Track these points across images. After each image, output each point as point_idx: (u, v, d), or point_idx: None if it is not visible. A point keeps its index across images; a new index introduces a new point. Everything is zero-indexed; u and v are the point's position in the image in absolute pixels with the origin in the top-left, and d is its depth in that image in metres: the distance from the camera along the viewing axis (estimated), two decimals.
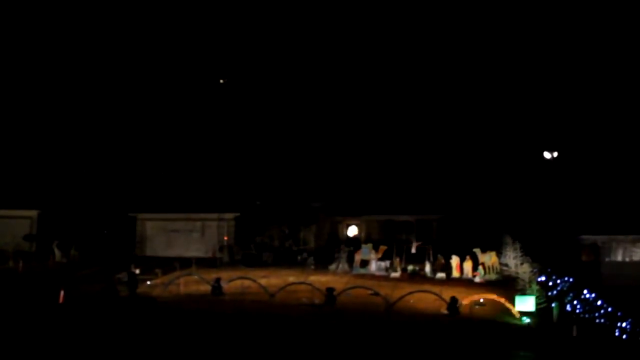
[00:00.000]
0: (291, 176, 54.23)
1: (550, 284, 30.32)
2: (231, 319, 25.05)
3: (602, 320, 23.78)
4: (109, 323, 23.98)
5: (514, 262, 31.64)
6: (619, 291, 29.24)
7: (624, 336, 22.14)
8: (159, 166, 59.88)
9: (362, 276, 36.02)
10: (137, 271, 30.56)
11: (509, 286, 30.50)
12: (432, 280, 34.69)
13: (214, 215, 46.86)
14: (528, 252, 31.44)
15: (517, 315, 25.24)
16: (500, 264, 37.00)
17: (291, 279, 32.52)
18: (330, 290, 27.89)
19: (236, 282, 30.44)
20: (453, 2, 59.62)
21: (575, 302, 26.26)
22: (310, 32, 61.49)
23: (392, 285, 31.79)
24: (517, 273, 29.10)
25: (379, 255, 38.86)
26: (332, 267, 39.17)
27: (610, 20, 53.42)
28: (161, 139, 61.13)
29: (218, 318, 25.25)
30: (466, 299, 26.57)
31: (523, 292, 26.65)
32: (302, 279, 31.85)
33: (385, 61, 61.81)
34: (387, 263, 37.91)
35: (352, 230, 50.85)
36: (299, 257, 42.00)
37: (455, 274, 36.42)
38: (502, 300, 26.42)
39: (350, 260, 39.08)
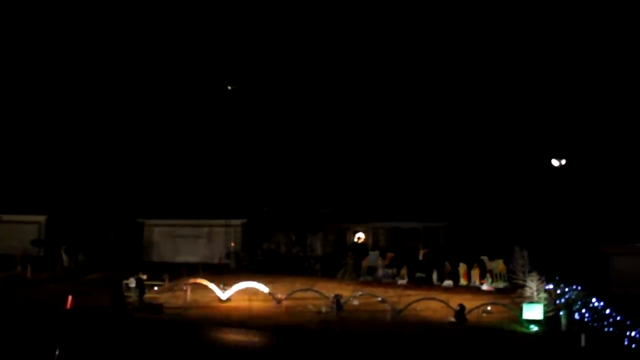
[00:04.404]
0: (298, 183, 54.32)
1: (559, 292, 30.15)
2: (238, 326, 25.08)
3: (611, 329, 23.58)
4: (116, 330, 24.00)
5: (521, 269, 31.50)
6: (628, 299, 29.08)
7: (633, 345, 21.95)
8: (166, 172, 60.08)
9: (369, 283, 36.00)
10: (145, 277, 30.60)
11: (517, 294, 30.41)
12: (439, 288, 34.63)
13: (221, 221, 46.95)
14: (536, 260, 31.32)
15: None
16: (509, 271, 36.86)
17: (298, 285, 32.51)
18: (337, 297, 27.85)
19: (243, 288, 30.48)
20: (462, 7, 59.69)
21: (583, 310, 26.07)
22: (318, 39, 61.65)
23: (399, 293, 31.73)
24: (525, 281, 28.96)
25: (386, 262, 38.88)
26: (339, 274, 39.15)
27: (619, 28, 53.31)
28: (169, 144, 61.37)
29: (224, 324, 25.29)
30: (474, 307, 26.47)
31: (531, 300, 26.53)
32: (308, 286, 31.82)
33: (394, 69, 61.90)
34: (394, 270, 37.87)
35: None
36: (305, 264, 42.01)
37: (463, 281, 36.34)
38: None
39: (357, 267, 39.05)
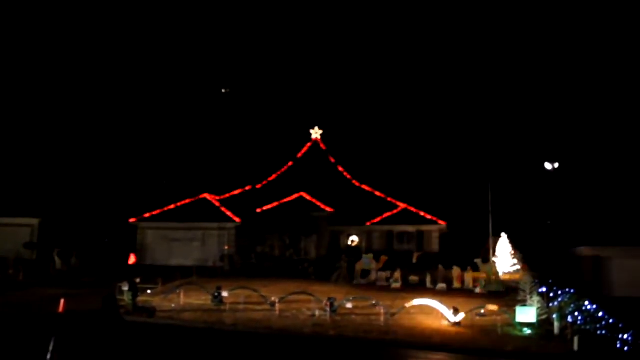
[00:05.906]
0: (292, 186, 54.30)
1: (552, 295, 30.24)
2: (231, 329, 25.04)
3: (604, 332, 23.64)
4: (108, 333, 23.95)
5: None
6: (620, 302, 29.18)
7: (626, 348, 22.01)
8: (160, 175, 60.02)
9: (363, 287, 35.99)
10: (138, 280, 30.48)
11: (510, 297, 30.46)
12: (433, 291, 34.65)
13: (215, 225, 46.85)
14: (529, 263, 31.44)
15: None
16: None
17: (292, 289, 32.44)
18: (331, 300, 27.82)
19: (236, 291, 30.39)
20: (458, 14, 59.99)
21: (576, 313, 26.14)
22: (312, 45, 61.81)
23: (392, 296, 31.73)
24: (518, 284, 29.02)
25: (380, 266, 38.90)
26: (333, 277, 39.12)
27: (613, 34, 53.67)
28: (163, 147, 61.36)
29: (217, 327, 25.24)
30: (467, 310, 26.50)
31: (524, 303, 26.60)
32: (302, 289, 31.77)
33: (388, 73, 62.14)
34: (388, 273, 37.89)
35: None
36: (299, 267, 41.95)
37: (456, 284, 36.38)
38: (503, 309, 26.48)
39: (351, 271, 39.04)
